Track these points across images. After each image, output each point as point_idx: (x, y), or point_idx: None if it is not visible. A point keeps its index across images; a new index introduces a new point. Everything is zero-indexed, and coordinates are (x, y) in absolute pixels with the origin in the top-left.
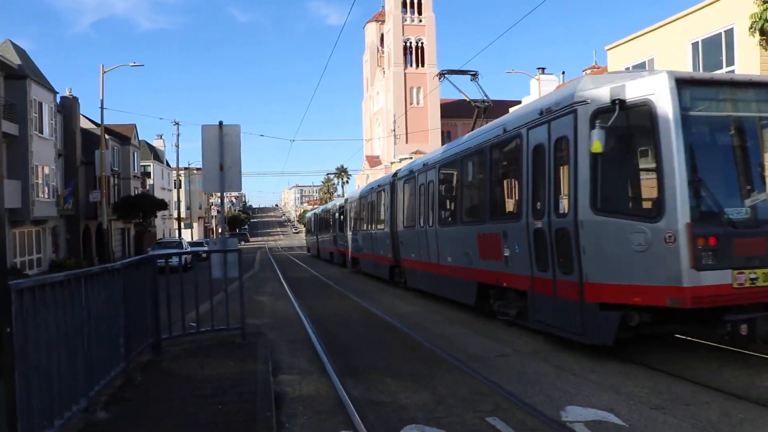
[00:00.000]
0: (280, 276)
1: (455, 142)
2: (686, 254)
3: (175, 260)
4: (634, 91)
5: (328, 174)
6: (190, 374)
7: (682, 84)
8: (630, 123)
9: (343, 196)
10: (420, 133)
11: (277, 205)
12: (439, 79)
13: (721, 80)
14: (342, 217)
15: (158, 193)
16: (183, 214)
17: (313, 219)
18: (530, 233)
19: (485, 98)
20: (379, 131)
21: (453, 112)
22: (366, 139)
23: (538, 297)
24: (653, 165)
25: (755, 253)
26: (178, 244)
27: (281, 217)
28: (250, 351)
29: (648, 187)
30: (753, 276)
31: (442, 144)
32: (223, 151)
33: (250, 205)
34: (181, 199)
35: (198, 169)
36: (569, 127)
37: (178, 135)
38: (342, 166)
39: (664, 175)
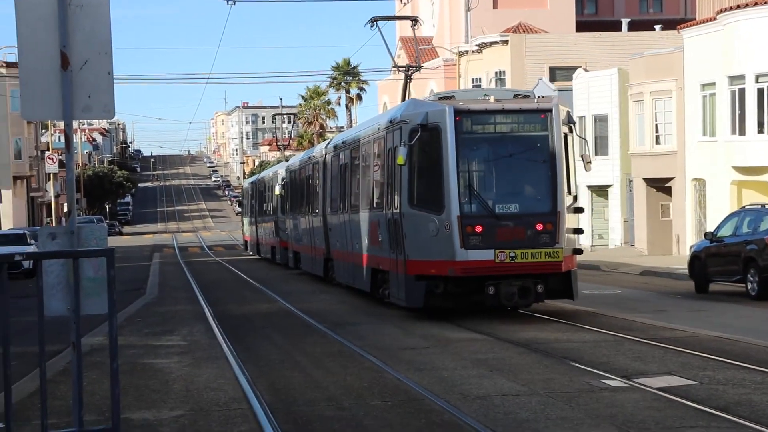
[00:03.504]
0: (206, 310)
1: (366, 122)
2: (458, 238)
3: None
4: (432, 117)
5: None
6: None
7: (460, 114)
8: (429, 141)
9: (352, 126)
10: None
11: (189, 152)
12: (371, 27)
13: (493, 109)
14: (284, 192)
15: None
16: None
17: (250, 193)
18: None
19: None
20: None
21: None
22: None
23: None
24: (440, 173)
25: (515, 238)
26: None
27: (209, 177)
28: None
29: (438, 188)
30: (512, 254)
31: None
32: (68, 28)
33: (138, 151)
34: None
35: (9, 64)
36: (398, 140)
37: None
38: (347, 62)
39: (443, 181)
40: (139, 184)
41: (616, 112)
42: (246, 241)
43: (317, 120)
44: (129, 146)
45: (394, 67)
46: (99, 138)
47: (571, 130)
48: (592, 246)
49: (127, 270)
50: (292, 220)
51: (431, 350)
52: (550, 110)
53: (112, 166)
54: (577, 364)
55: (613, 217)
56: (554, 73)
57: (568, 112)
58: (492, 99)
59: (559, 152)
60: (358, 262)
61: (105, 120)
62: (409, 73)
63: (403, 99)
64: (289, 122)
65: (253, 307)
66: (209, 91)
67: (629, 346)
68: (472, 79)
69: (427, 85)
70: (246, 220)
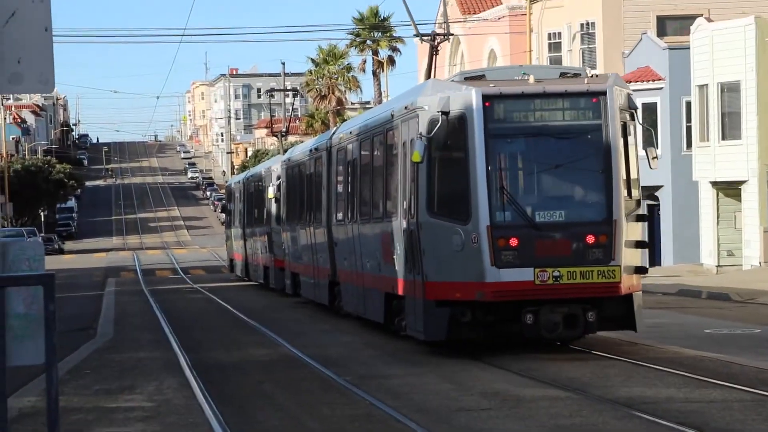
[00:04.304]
0: (180, 357)
1: (383, 106)
2: (488, 253)
3: None
4: (455, 103)
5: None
6: None
7: (490, 98)
8: (452, 134)
9: (382, 101)
10: None
11: (157, 138)
12: None
13: (531, 93)
14: (280, 195)
15: None
16: None
17: (238, 196)
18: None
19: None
20: None
21: None
22: None
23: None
24: (465, 173)
25: (560, 253)
26: None
27: (184, 172)
28: None
29: (463, 192)
30: (556, 274)
31: None
32: None
33: (86, 137)
34: None
35: None
36: (414, 131)
37: None
38: (374, 13)
39: (469, 182)
40: (87, 183)
41: (753, 78)
42: (233, 260)
43: (333, 93)
44: (73, 130)
45: (415, 36)
46: (31, 119)
47: (632, 117)
48: (718, 266)
49: (72, 302)
50: (290, 232)
51: (494, 412)
52: (604, 93)
53: (48, 157)
54: None
55: (749, 225)
56: (664, 25)
57: (629, 95)
58: (531, 79)
59: (615, 145)
60: (369, 286)
61: (40, 94)
62: (436, 43)
63: (428, 77)
64: (294, 96)
65: (246, 352)
66: (184, 54)
67: None
68: (549, 35)
69: (485, 43)
70: (233, 232)
